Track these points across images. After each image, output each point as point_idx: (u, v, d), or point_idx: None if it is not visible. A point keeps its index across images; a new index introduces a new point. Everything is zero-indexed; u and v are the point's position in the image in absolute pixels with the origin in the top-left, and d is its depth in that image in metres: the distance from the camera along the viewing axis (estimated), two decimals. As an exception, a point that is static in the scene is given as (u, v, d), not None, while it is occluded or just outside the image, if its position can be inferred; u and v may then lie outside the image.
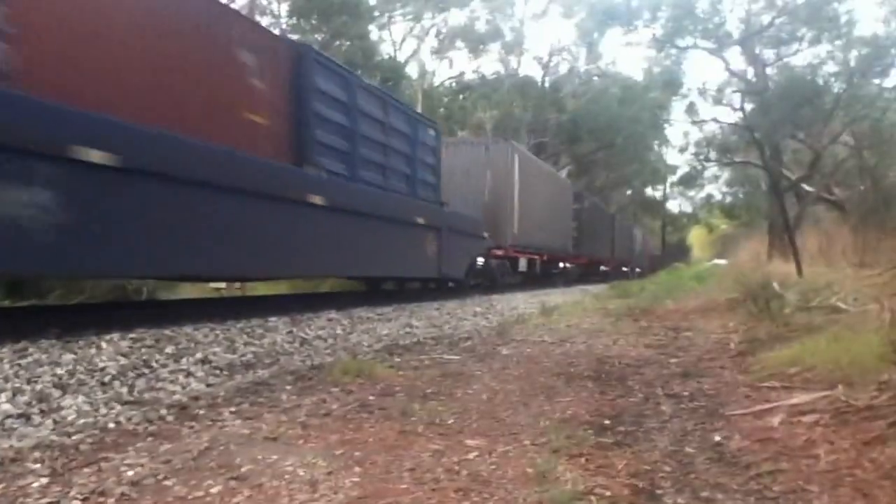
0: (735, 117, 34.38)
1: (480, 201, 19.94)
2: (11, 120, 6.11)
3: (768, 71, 31.38)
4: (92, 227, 6.86)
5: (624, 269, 44.63)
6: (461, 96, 43.62)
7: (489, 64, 58.53)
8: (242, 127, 9.29)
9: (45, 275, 9.33)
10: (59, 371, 5.27)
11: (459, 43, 41.18)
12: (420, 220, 14.21)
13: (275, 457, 3.86)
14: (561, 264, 28.32)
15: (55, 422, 4.43)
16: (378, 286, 16.52)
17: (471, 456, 4.11)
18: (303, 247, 10.38)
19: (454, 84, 44.54)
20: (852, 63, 28.42)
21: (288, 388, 5.90)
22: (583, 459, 4.13)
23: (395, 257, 13.30)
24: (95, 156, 6.71)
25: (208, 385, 5.85)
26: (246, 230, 9.10)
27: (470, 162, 20.24)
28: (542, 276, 25.52)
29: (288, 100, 10.25)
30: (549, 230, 25.63)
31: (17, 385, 4.83)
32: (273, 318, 9.05)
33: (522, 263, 23.14)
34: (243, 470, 3.64)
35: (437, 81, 43.73)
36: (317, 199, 10.46)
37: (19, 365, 5.21)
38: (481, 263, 19.30)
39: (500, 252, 20.79)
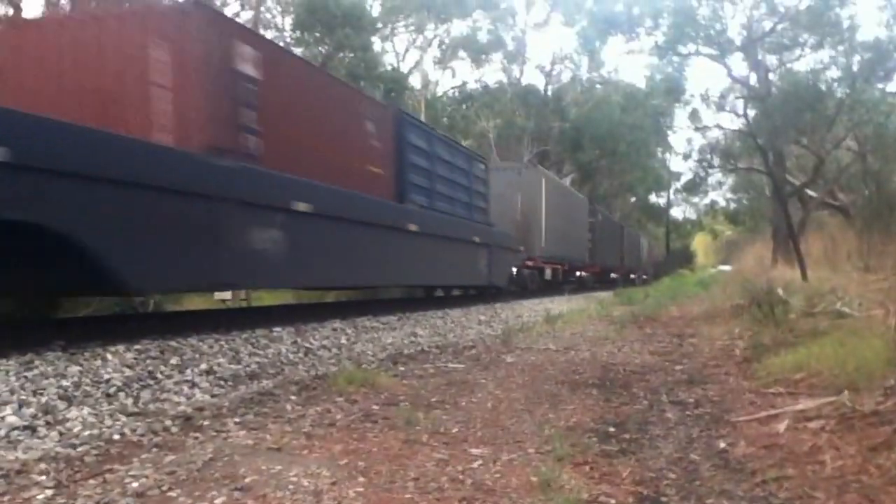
0: (738, 123, 34.36)
1: (514, 219, 22.54)
2: (263, 186, 9.18)
3: (771, 77, 31.36)
4: (299, 254, 9.94)
5: (632, 276, 46.46)
6: (464, 106, 43.65)
7: (492, 73, 58.86)
8: (367, 177, 12.41)
9: (276, 287, 13.68)
10: (64, 383, 5.27)
11: (462, 53, 41.25)
12: (476, 239, 17.27)
13: (279, 467, 3.86)
14: (578, 273, 30.87)
15: (61, 434, 4.44)
16: (432, 292, 18.92)
17: (475, 465, 4.11)
18: (403, 262, 13.43)
19: (457, 94, 44.60)
20: (855, 68, 28.40)
21: (292, 398, 5.90)
22: (587, 467, 4.13)
23: (459, 269, 16.57)
24: (302, 206, 9.83)
25: (213, 396, 5.86)
26: (373, 251, 12.20)
27: (505, 185, 22.35)
28: (564, 283, 27.91)
29: (392, 153, 13.44)
30: (569, 243, 28.41)
31: (24, 397, 4.84)
32: (277, 329, 9.05)
33: (548, 273, 25.96)
34: (247, 481, 3.64)
35: (439, 91, 43.80)
36: (412, 227, 13.49)
37: (25, 377, 5.22)
38: (515, 273, 21.86)
39: (530, 263, 23.63)
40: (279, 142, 9.75)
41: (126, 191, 7.00)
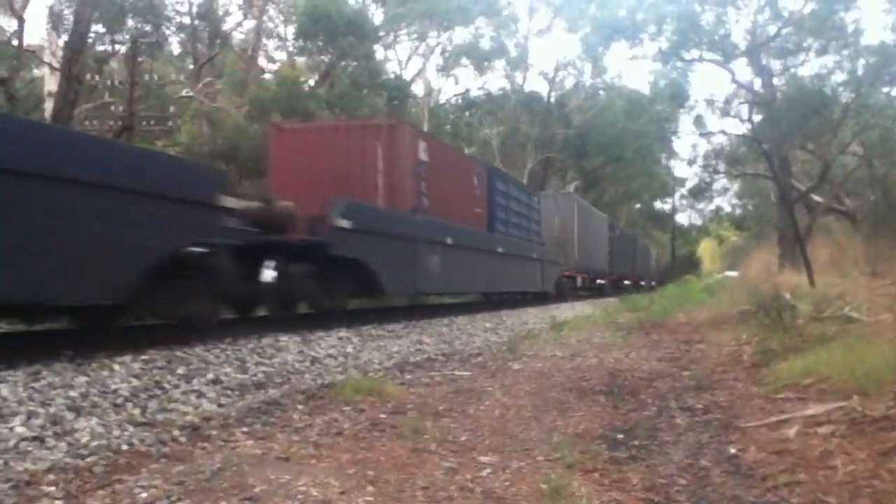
0: (743, 129, 34.25)
1: (553, 237, 26.82)
2: (433, 229, 14.02)
3: (775, 82, 31.26)
4: (448, 270, 14.65)
5: (642, 282, 48.48)
6: (467, 113, 43.62)
7: (495, 80, 58.61)
8: (474, 216, 17.43)
9: (438, 293, 17.64)
10: (72, 393, 5.26)
11: (465, 60, 41.17)
12: (534, 256, 22.43)
13: (287, 477, 3.85)
14: (599, 280, 35.24)
15: (69, 444, 4.43)
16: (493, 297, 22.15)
17: (484, 473, 4.10)
18: (495, 274, 18.39)
19: (460, 101, 44.55)
20: (860, 72, 28.30)
21: (299, 407, 5.90)
22: (597, 474, 4.12)
23: (525, 279, 21.54)
24: (449, 240, 14.71)
25: (220, 405, 5.85)
26: (480, 267, 17.19)
27: (545, 208, 26.26)
28: (589, 289, 33.23)
29: (486, 197, 18.39)
30: (593, 255, 32.65)
31: (32, 408, 4.83)
32: (284, 337, 9.03)
33: (579, 280, 30.78)
34: (256, 490, 3.63)
35: (442, 99, 43.76)
36: (499, 249, 18.42)
37: (33, 388, 5.21)
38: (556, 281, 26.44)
39: (567, 273, 27.93)
40: (435, 198, 14.66)
41: (387, 239, 12.37)
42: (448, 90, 44.14)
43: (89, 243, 6.67)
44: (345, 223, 10.87)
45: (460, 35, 40.28)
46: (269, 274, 10.07)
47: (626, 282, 42.15)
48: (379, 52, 34.73)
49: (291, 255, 10.37)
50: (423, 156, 14.36)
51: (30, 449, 4.27)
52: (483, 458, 4.40)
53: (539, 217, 24.19)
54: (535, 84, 74.66)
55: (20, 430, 4.48)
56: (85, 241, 6.62)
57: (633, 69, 79.07)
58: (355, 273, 11.56)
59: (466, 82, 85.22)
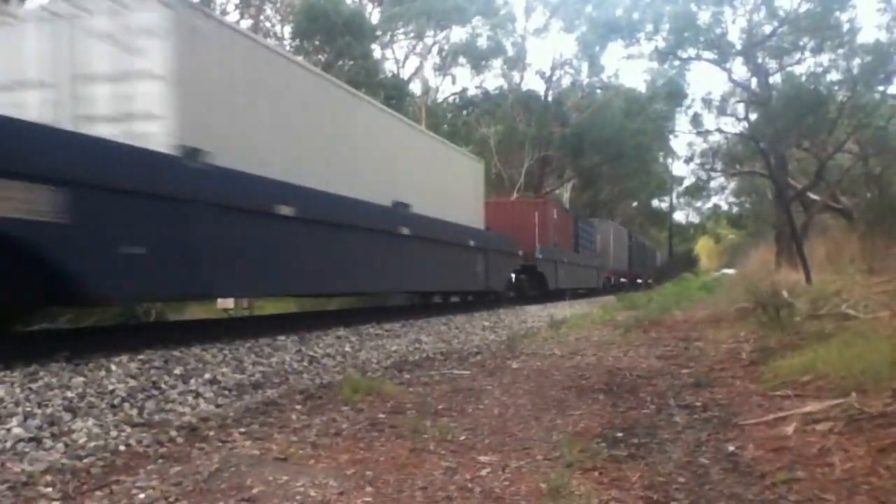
0: (740, 127, 34.28)
1: (597, 250, 36.36)
2: (560, 255, 26.75)
3: (772, 80, 31.29)
4: (569, 274, 27.93)
5: (649, 281, 52.18)
6: (465, 112, 43.60)
7: (492, 79, 58.55)
8: (570, 243, 29.18)
9: (566, 287, 27.12)
10: (69, 394, 5.25)
11: (462, 59, 41.14)
12: (595, 264, 34.61)
13: (286, 477, 3.84)
14: (622, 279, 42.76)
15: (66, 445, 4.42)
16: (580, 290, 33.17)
17: (483, 472, 4.09)
18: (581, 277, 30.72)
19: (457, 100, 44.54)
20: (855, 71, 28.32)
21: (297, 407, 5.89)
22: (596, 473, 4.11)
23: (591, 278, 33.76)
24: (565, 259, 27.52)
25: (217, 406, 5.84)
26: (576, 273, 29.39)
27: (591, 230, 35.86)
28: (614, 287, 39.66)
29: (572, 231, 29.77)
30: (620, 261, 42.08)
31: (29, 409, 4.82)
32: (281, 337, 9.02)
33: (611, 280, 39.62)
34: (254, 491, 3.63)
35: (440, 98, 43.71)
36: (580, 262, 30.45)
37: (30, 389, 5.20)
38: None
39: (606, 275, 37.88)
40: (557, 236, 26.01)
41: (551, 262, 25.05)
42: (445, 89, 43.84)
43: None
44: (541, 254, 23.88)
45: (457, 34, 40.29)
46: (513, 276, 22.56)
47: (639, 280, 48.80)
48: (376, 51, 34.76)
49: (520, 269, 22.79)
50: (554, 216, 26.75)
51: (27, 450, 4.26)
52: (482, 458, 4.39)
53: (595, 237, 36.21)
54: (533, 83, 74.26)
55: (17, 430, 4.47)
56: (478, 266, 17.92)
57: (630, 68, 79.35)
58: (539, 279, 24.20)
59: (464, 81, 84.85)
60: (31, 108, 8.46)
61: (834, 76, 29.54)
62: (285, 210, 9.56)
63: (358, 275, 12.16)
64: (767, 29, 30.54)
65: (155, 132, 8.18)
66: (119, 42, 8.43)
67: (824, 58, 29.90)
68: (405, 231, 13.41)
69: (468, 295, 19.75)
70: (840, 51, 29.03)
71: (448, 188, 17.03)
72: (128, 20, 8.43)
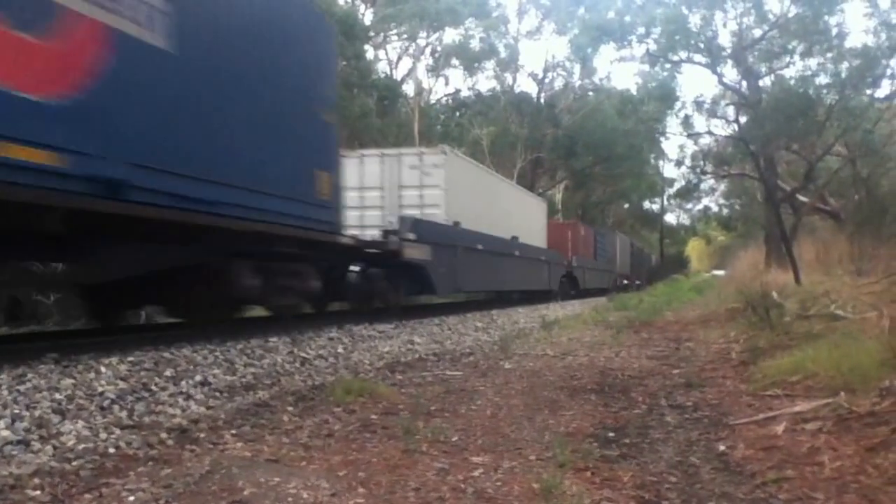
0: (730, 130, 34.39)
1: (610, 257, 41.10)
2: (586, 262, 34.15)
3: (761, 83, 31.41)
4: (592, 277, 35.57)
5: (639, 282, 53.10)
6: (457, 113, 43.71)
7: (485, 81, 58.58)
8: (591, 252, 35.70)
9: (591, 287, 34.70)
10: (58, 396, 5.23)
11: (455, 61, 41.25)
12: (610, 269, 40.45)
13: (277, 479, 3.83)
14: (625, 280, 45.51)
15: (55, 448, 4.40)
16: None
17: (476, 473, 4.09)
18: (602, 278, 37.81)
19: (450, 101, 44.69)
20: (844, 75, 28.41)
21: (289, 409, 5.87)
22: (588, 473, 4.12)
23: (606, 279, 38.74)
24: (589, 265, 35.00)
25: (208, 407, 5.82)
26: (598, 274, 37.11)
27: (605, 241, 40.46)
28: (620, 287, 42.06)
29: (593, 243, 36.58)
30: (624, 265, 46.29)
31: (17, 411, 4.80)
32: (273, 338, 9.01)
33: (618, 281, 42.89)
34: (246, 493, 3.61)
35: (433, 99, 43.77)
36: (599, 267, 37.37)
37: (18, 391, 5.17)
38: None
39: (615, 277, 42.96)
40: (583, 250, 33.21)
41: (583, 268, 32.75)
42: (438, 90, 44.00)
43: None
44: (576, 262, 31.10)
45: (450, 36, 40.38)
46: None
47: (637, 281, 51.63)
48: (369, 52, 34.76)
49: (564, 274, 29.62)
50: (581, 233, 33.76)
51: (15, 453, 4.24)
52: (475, 459, 4.39)
53: (614, 245, 42.34)
54: (525, 85, 74.46)
55: (5, 433, 4.44)
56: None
57: (621, 70, 79.44)
58: (574, 280, 30.91)
59: (457, 82, 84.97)
60: (372, 200, 17.38)
61: (823, 80, 29.61)
62: (480, 246, 18.24)
63: (506, 280, 21.93)
64: (757, 33, 30.69)
65: (438, 214, 16.86)
66: (419, 169, 17.43)
67: (813, 61, 30.05)
68: (517, 253, 22.33)
69: (540, 292, 25.98)
70: (829, 55, 29.16)
71: (530, 222, 25.97)
72: (424, 159, 17.61)
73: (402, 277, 14.56)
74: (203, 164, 8.00)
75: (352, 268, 13.73)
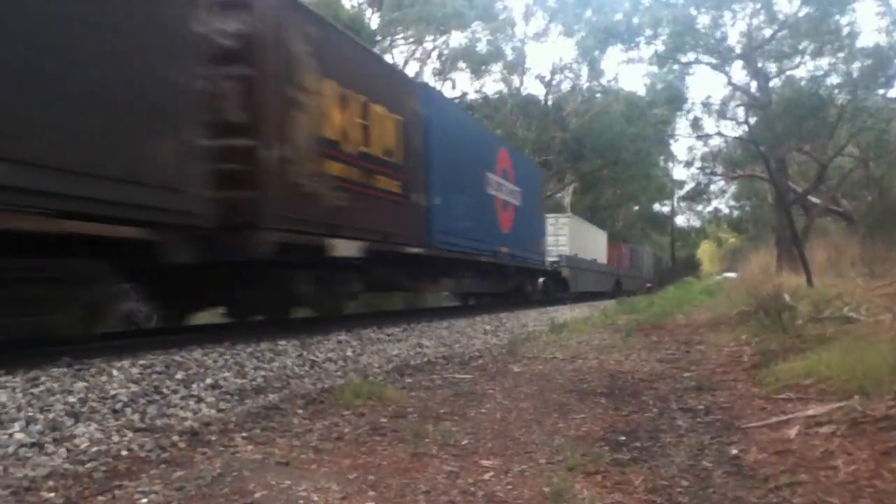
0: (740, 131, 34.38)
1: (640, 265, 49.78)
2: (610, 268, 40.77)
3: (771, 84, 31.36)
4: (630, 281, 45.46)
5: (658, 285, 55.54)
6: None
7: (492, 84, 58.75)
8: (629, 264, 46.23)
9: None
10: (71, 399, 5.25)
11: (461, 64, 41.23)
12: (644, 275, 50.46)
13: (288, 482, 3.83)
14: (648, 284, 50.01)
15: (68, 450, 4.42)
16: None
17: (486, 476, 4.08)
18: (636, 283, 46.09)
19: (457, 104, 44.72)
20: (855, 74, 28.38)
21: (299, 411, 5.88)
22: (599, 477, 4.10)
23: (638, 283, 45.74)
24: (632, 272, 47.58)
25: (219, 410, 5.83)
26: (635, 279, 47.04)
27: (636, 253, 50.17)
28: (644, 290, 46.06)
29: (630, 256, 46.74)
30: (649, 271, 54.35)
31: (31, 414, 4.82)
32: (282, 342, 9.02)
33: (647, 285, 48.47)
34: (257, 496, 3.62)
35: (440, 102, 43.77)
36: (633, 274, 46.45)
37: (32, 394, 5.20)
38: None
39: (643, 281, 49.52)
40: (624, 262, 44.29)
41: (630, 275, 45.94)
42: (445, 93, 43.89)
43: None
44: (621, 272, 42.06)
45: (457, 39, 40.34)
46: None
47: (648, 284, 54.82)
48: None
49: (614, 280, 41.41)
50: (623, 250, 44.00)
51: (29, 455, 4.26)
52: (485, 462, 4.39)
53: (638, 258, 49.84)
54: (532, 87, 74.50)
55: (19, 436, 4.46)
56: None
57: (629, 72, 79.37)
58: (619, 284, 40.14)
59: (463, 86, 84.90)
60: (560, 246, 29.74)
61: (834, 80, 29.62)
62: (583, 266, 31.59)
63: (595, 284, 33.94)
64: (767, 33, 30.64)
65: (566, 250, 29.84)
66: (555, 225, 30.27)
67: (824, 61, 30.05)
68: (596, 268, 34.84)
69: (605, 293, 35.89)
70: (840, 54, 29.12)
71: (600, 247, 38.28)
72: (559, 220, 31.42)
73: (558, 283, 28.04)
74: (526, 243, 22.23)
75: (539, 279, 26.05)
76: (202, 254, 8.02)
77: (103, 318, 8.04)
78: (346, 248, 10.67)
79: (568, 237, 30.72)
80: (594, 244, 36.33)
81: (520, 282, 22.56)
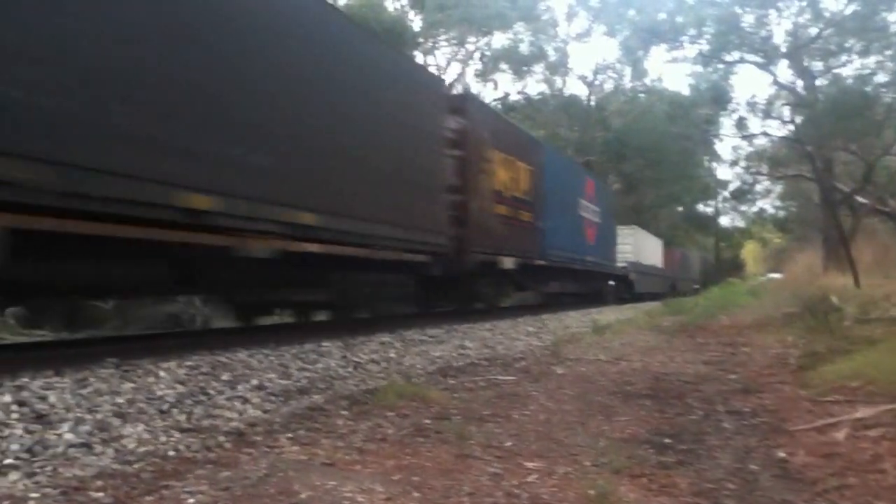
0: (785, 130, 33.96)
1: (690, 268, 52.29)
2: (665, 271, 43.77)
3: (818, 83, 30.93)
4: (683, 285, 47.92)
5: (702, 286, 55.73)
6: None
7: (534, 84, 58.51)
8: (680, 268, 48.17)
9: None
10: (118, 400, 5.32)
11: (503, 65, 41.18)
12: (692, 276, 52.75)
13: (333, 483, 3.85)
14: (695, 286, 50.63)
15: (116, 450, 4.47)
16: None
17: (530, 479, 4.07)
18: (687, 286, 47.15)
19: (499, 106, 44.61)
20: (902, 73, 27.95)
21: (343, 413, 5.90)
22: (644, 479, 4.08)
23: (692, 282, 50.49)
24: (681, 274, 48.96)
25: (264, 411, 5.87)
26: (685, 283, 47.94)
27: (687, 257, 52.42)
28: (694, 290, 47.95)
29: (681, 261, 48.41)
30: (697, 274, 56.19)
31: (79, 414, 4.89)
32: (326, 343, 9.08)
33: (695, 286, 49.18)
34: (302, 497, 3.64)
35: (481, 104, 43.72)
36: (685, 276, 48.64)
37: (80, 394, 5.28)
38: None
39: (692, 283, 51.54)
40: (676, 266, 46.55)
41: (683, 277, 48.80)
42: (487, 95, 43.73)
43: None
44: (674, 275, 44.25)
45: (499, 40, 40.31)
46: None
47: (695, 286, 56.21)
48: (418, 57, 34.83)
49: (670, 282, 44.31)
50: (677, 256, 46.83)
51: (78, 455, 4.32)
52: (529, 464, 4.37)
53: (689, 262, 52.64)
54: (575, 88, 74.07)
55: (68, 436, 4.53)
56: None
57: (673, 72, 78.70)
58: (674, 286, 42.34)
59: (505, 86, 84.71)
60: (626, 253, 32.55)
61: (881, 78, 29.12)
62: (645, 270, 35.28)
63: (655, 286, 36.88)
64: (813, 31, 30.23)
65: (631, 257, 32.96)
66: (622, 236, 32.56)
67: (871, 59, 29.51)
68: (655, 272, 38.05)
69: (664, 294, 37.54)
70: (887, 52, 28.63)
71: (658, 253, 40.86)
72: (624, 231, 33.38)
73: (626, 285, 31.67)
74: (604, 252, 27.70)
75: (610, 282, 29.88)
76: (445, 269, 13.65)
77: (408, 305, 14.83)
78: (508, 262, 16.59)
79: (633, 246, 34.08)
80: (653, 251, 40.12)
81: (599, 284, 28.28)
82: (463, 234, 14.17)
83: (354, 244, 10.62)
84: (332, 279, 11.25)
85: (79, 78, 6.28)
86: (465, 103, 15.48)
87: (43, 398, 5.07)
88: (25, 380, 5.43)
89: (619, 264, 30.70)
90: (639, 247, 35.59)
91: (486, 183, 15.61)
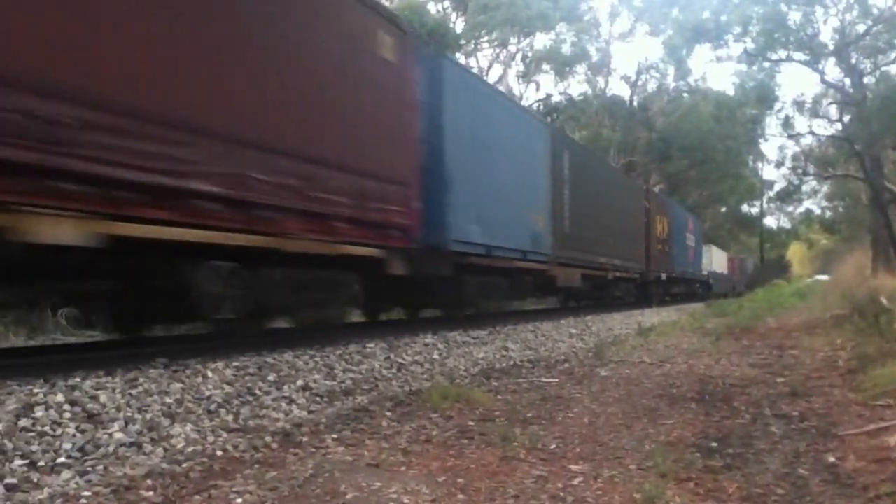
0: (833, 129, 33.54)
1: (745, 271, 58.45)
2: (728, 274, 51.81)
3: (866, 81, 30.47)
4: (739, 278, 58.01)
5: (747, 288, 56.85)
6: (549, 119, 43.54)
7: (576, 85, 58.40)
8: (737, 271, 54.83)
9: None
10: (167, 400, 5.38)
11: (545, 66, 41.03)
12: (738, 279, 53.97)
13: (378, 484, 3.87)
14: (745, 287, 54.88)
15: (165, 450, 4.53)
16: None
17: (575, 482, 4.06)
18: (737, 288, 52.20)
19: (542, 107, 44.42)
20: (955, 69, 27.44)
21: (388, 414, 5.93)
22: (692, 483, 4.04)
23: (739, 284, 52.57)
24: (723, 276, 50.93)
25: (310, 412, 5.92)
26: (739, 284, 53.93)
27: (742, 262, 57.69)
28: (743, 291, 51.74)
29: (738, 265, 56.10)
30: (745, 277, 58.43)
31: (129, 414, 4.96)
32: (370, 344, 9.11)
33: (741, 287, 52.67)
34: (349, 497, 3.66)
35: (524, 105, 43.67)
36: (738, 279, 54.99)
37: (130, 394, 5.35)
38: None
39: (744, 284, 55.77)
40: (735, 270, 53.30)
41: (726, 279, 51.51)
42: (529, 96, 43.53)
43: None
44: (733, 277, 51.12)
45: (541, 41, 40.18)
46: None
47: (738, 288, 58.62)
48: (461, 59, 34.84)
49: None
50: (736, 263, 54.10)
51: (128, 454, 4.38)
52: (574, 467, 4.36)
53: (744, 266, 57.64)
54: (618, 88, 73.75)
55: (119, 435, 4.59)
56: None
57: (717, 71, 78.03)
58: (734, 287, 48.83)
59: (548, 87, 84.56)
60: (706, 264, 40.35)
61: (932, 75, 28.58)
62: (718, 276, 44.31)
63: (723, 287, 43.93)
64: (861, 28, 29.80)
65: (708, 268, 40.05)
66: (708, 254, 42.69)
67: (921, 57, 28.99)
68: (721, 278, 44.70)
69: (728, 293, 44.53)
70: (939, 48, 28.11)
71: (724, 261, 47.30)
72: (704, 247, 41.76)
73: (706, 287, 38.01)
74: (697, 266, 37.70)
75: (697, 285, 36.96)
76: (639, 282, 25.41)
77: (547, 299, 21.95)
78: (662, 276, 27.54)
79: (709, 259, 41.47)
80: (720, 261, 47.71)
81: (693, 286, 36.85)
82: (647, 262, 25.35)
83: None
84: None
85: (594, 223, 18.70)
86: (650, 196, 27.66)
87: (94, 398, 5.13)
88: (77, 380, 5.51)
89: (703, 272, 39.54)
90: (712, 259, 43.54)
91: (653, 231, 26.55)
